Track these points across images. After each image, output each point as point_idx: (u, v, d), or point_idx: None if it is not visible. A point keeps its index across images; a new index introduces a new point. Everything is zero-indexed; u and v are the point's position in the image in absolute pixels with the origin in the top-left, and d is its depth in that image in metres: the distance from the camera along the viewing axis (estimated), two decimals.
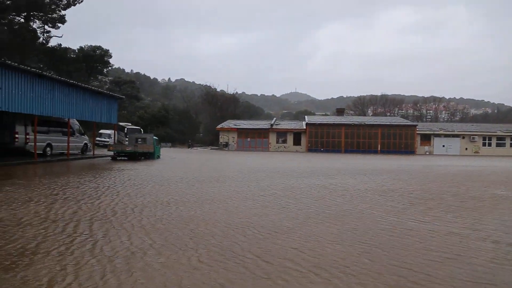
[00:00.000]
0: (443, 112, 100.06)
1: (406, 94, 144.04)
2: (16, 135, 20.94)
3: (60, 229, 6.36)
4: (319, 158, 34.79)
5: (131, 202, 9.16)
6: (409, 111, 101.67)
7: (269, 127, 56.29)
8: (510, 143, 53.33)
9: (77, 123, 28.16)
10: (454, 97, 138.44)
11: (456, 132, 54.38)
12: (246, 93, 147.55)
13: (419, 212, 8.57)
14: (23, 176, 14.66)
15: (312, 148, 53.23)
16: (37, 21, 46.57)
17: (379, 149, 52.65)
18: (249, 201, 9.64)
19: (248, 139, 55.84)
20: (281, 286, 4.17)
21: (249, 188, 12.21)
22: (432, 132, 54.38)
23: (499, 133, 54.03)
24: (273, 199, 10.00)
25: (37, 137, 21.64)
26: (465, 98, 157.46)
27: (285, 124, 59.77)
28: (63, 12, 47.66)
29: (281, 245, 5.73)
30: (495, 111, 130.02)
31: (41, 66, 44.60)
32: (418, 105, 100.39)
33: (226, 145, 55.26)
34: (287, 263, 4.88)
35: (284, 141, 55.51)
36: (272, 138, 55.62)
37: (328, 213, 8.26)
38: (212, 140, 64.38)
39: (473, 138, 53.38)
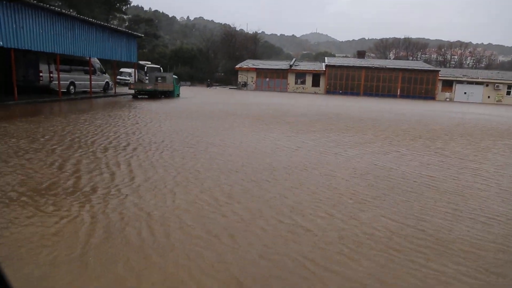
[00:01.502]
0: (468, 58, 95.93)
1: (431, 38, 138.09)
2: (41, 74, 21.61)
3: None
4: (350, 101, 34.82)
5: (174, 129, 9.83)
6: (432, 55, 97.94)
7: (288, 67, 55.77)
8: None
9: (98, 61, 28.57)
10: (482, 43, 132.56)
11: (479, 80, 52.59)
12: (266, 32, 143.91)
13: None
14: (50, 112, 15.48)
15: (331, 90, 52.95)
16: None
17: (398, 93, 52.05)
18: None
19: (267, 79, 55.68)
20: None
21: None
22: (454, 78, 52.96)
23: None
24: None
25: (61, 75, 22.25)
26: (493, 44, 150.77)
27: (304, 65, 58.94)
28: None
29: None
30: None
31: (60, 4, 44.31)
32: (442, 50, 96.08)
33: (245, 84, 55.35)
34: None
35: (303, 82, 55.18)
36: (291, 79, 55.31)
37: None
38: (230, 80, 64.36)
39: (497, 86, 51.61)
